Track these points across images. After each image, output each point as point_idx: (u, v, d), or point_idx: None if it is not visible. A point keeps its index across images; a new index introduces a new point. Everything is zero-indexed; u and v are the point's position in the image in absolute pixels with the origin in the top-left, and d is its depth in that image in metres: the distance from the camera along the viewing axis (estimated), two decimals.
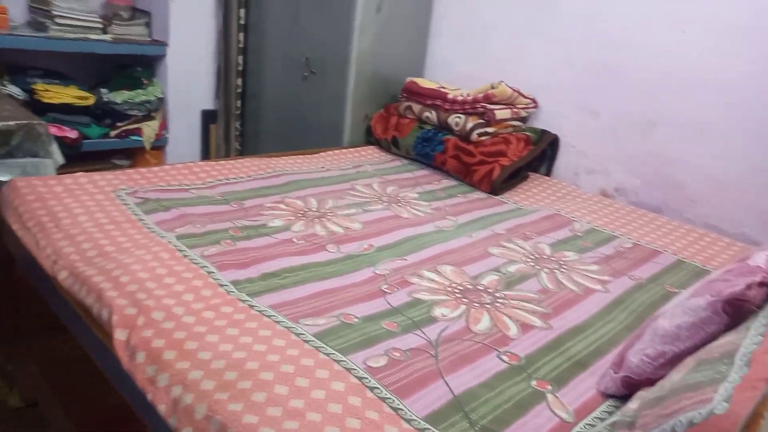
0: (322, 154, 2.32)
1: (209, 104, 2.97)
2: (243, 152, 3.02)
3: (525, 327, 1.24)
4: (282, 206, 1.75)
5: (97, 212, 1.51)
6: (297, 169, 2.09)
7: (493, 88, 2.20)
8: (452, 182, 2.20)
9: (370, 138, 2.52)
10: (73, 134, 2.46)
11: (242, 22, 2.82)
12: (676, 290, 1.50)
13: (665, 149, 2.06)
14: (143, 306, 1.11)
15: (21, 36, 2.33)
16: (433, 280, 1.38)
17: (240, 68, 2.89)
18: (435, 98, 2.30)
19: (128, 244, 1.37)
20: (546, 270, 1.52)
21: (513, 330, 1.22)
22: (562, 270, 1.54)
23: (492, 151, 2.14)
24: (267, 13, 2.73)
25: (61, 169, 1.99)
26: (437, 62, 2.67)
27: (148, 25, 2.77)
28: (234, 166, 2.03)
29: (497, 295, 1.35)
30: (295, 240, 1.53)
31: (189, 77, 2.85)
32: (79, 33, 2.49)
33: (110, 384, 1.12)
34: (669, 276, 1.60)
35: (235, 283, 1.27)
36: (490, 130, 2.20)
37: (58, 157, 2.00)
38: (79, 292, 1.20)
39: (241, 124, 2.99)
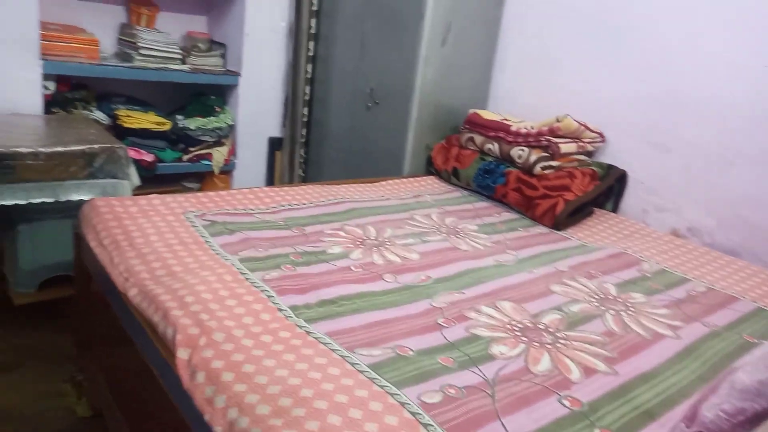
0: (382, 182, 2.34)
1: (276, 132, 3.08)
2: (306, 179, 3.09)
3: (588, 370, 1.18)
4: (341, 233, 1.77)
5: (168, 233, 1.58)
6: (357, 197, 2.12)
7: (558, 121, 2.16)
8: (513, 215, 2.16)
9: (430, 168, 2.52)
10: (149, 157, 2.61)
11: (311, 54, 2.92)
12: (755, 341, 1.39)
13: (744, 188, 1.94)
14: (205, 326, 1.14)
15: (109, 66, 2.51)
16: (491, 316, 1.35)
17: (306, 98, 2.99)
18: (498, 130, 2.29)
19: (194, 265, 1.42)
20: (611, 311, 1.45)
21: (575, 373, 1.17)
22: (629, 312, 1.47)
23: (556, 185, 2.09)
24: (334, 45, 2.83)
25: (137, 191, 2.11)
26: (501, 94, 2.66)
27: (223, 56, 2.92)
28: (297, 193, 2.08)
29: (559, 335, 1.30)
30: (353, 268, 1.54)
31: (258, 106, 2.97)
32: (160, 63, 2.66)
33: (171, 401, 1.14)
34: (747, 325, 1.49)
35: (293, 308, 1.28)
36: (554, 163, 2.15)
37: (135, 179, 2.12)
38: (147, 309, 1.25)
39: (305, 151, 3.07)
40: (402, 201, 2.15)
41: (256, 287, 1.34)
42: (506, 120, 2.33)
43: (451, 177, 2.41)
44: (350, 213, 1.94)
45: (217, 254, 1.51)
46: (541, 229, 2.05)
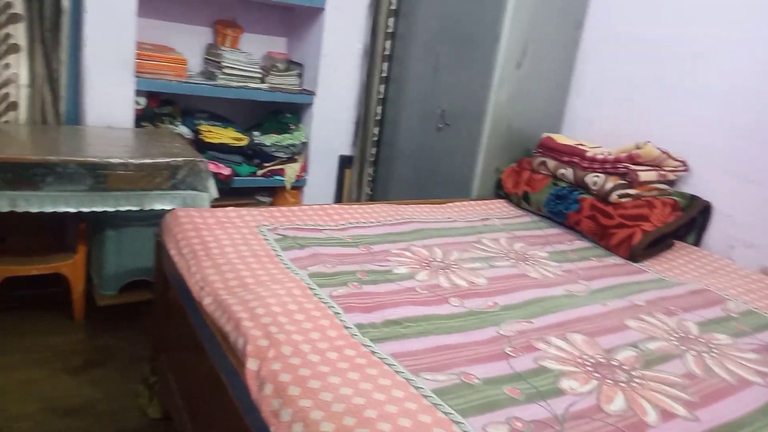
0: (450, 204, 2.33)
1: (346, 150, 3.14)
2: (373, 197, 3.13)
3: (666, 414, 1.11)
4: (407, 254, 1.76)
5: (242, 245, 1.64)
6: (424, 217, 2.12)
7: (638, 148, 2.08)
8: (586, 244, 2.08)
9: (499, 191, 2.49)
10: (226, 171, 2.73)
11: (384, 75, 2.97)
12: None
13: None
14: (274, 339, 1.17)
15: (195, 83, 2.66)
16: (561, 348, 1.30)
17: (378, 118, 3.04)
18: (572, 155, 2.22)
19: (265, 278, 1.46)
20: (692, 352, 1.36)
21: (651, 416, 1.10)
22: (712, 354, 1.37)
23: (633, 215, 2.00)
24: (408, 67, 2.87)
25: (213, 202, 2.21)
26: (576, 118, 2.59)
27: (300, 75, 3.03)
28: (365, 211, 2.10)
29: (634, 373, 1.23)
30: (418, 289, 1.53)
31: (331, 124, 3.04)
32: (241, 82, 2.78)
33: (237, 409, 1.17)
34: None
35: (359, 326, 1.29)
36: (632, 192, 2.06)
37: (213, 192, 2.22)
38: (220, 318, 1.30)
39: (373, 170, 3.11)
40: (469, 223, 2.12)
41: (324, 303, 1.36)
42: (581, 145, 2.27)
43: (521, 201, 2.36)
44: (417, 233, 1.94)
45: (288, 268, 1.54)
46: (615, 260, 1.96)
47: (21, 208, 1.86)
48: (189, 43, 2.84)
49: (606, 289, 1.68)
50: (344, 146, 3.14)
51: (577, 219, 2.12)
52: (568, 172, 2.24)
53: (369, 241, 1.83)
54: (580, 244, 2.08)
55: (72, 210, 1.94)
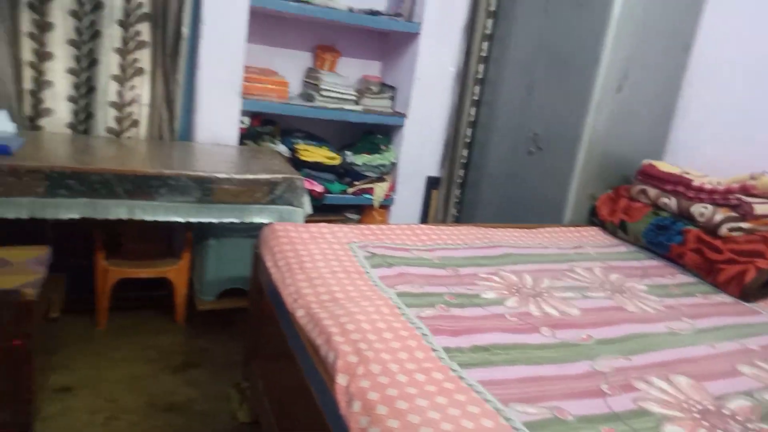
0: (540, 229, 2.27)
1: (434, 171, 3.16)
2: (459, 219, 3.11)
3: None
4: (496, 278, 1.74)
5: (333, 260, 1.69)
6: (513, 242, 2.08)
7: (753, 179, 1.92)
8: (690, 278, 1.95)
9: (593, 219, 2.39)
10: (319, 188, 2.83)
11: (476, 98, 2.97)
12: None
13: None
14: (363, 356, 1.19)
15: (294, 105, 2.80)
16: (664, 390, 1.21)
17: (467, 140, 3.03)
18: (677, 184, 2.10)
19: (355, 294, 1.49)
20: None
21: None
22: None
23: (746, 250, 1.84)
24: (500, 90, 2.85)
25: (306, 218, 2.30)
26: (680, 145, 2.45)
27: (392, 98, 3.10)
28: (453, 233, 2.10)
29: (750, 426, 1.13)
30: (507, 316, 1.50)
31: (420, 146, 3.08)
32: (337, 103, 2.89)
33: (325, 422, 1.20)
34: None
35: (446, 349, 1.28)
36: (744, 225, 1.91)
37: (308, 208, 2.32)
38: (311, 331, 1.34)
39: (461, 192, 3.10)
40: (561, 251, 2.05)
41: (412, 324, 1.37)
42: (687, 173, 2.13)
43: (618, 230, 2.26)
44: (506, 258, 1.91)
45: (376, 286, 1.57)
46: (724, 298, 1.81)
47: (137, 216, 2.03)
48: (291, 66, 3.00)
49: (714, 330, 1.56)
50: (432, 167, 3.16)
51: (681, 251, 1.99)
52: (671, 202, 2.12)
53: (457, 264, 1.82)
54: (683, 278, 1.95)
55: (181, 220, 2.09)
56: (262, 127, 2.87)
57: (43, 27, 2.27)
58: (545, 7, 2.56)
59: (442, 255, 1.88)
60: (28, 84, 2.31)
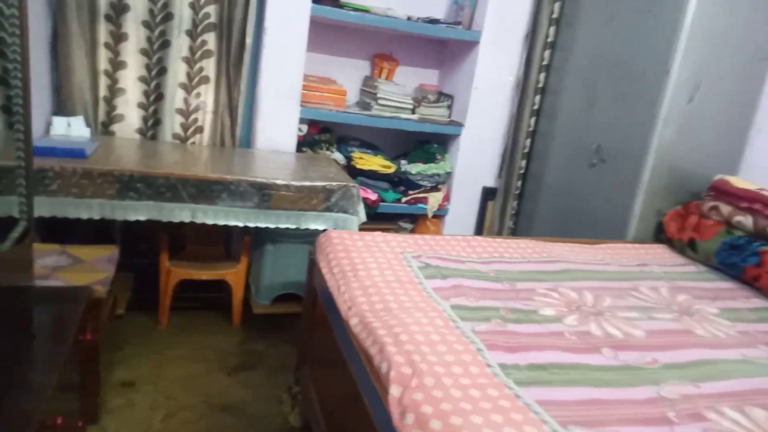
0: (601, 245, 2.18)
1: (490, 182, 3.11)
2: (515, 231, 3.05)
3: None
4: (554, 295, 1.68)
5: (387, 269, 1.68)
6: (573, 257, 2.01)
7: None
8: (766, 303, 1.82)
9: (660, 236, 2.28)
10: (373, 197, 2.84)
11: (536, 107, 2.91)
12: None
13: None
14: (417, 368, 1.17)
15: (351, 113, 2.82)
16: (737, 423, 1.13)
17: (525, 150, 2.97)
18: (754, 201, 1.97)
19: (409, 304, 1.48)
20: None
21: None
22: None
23: None
24: (562, 99, 2.77)
25: (359, 226, 2.31)
26: (757, 160, 2.30)
27: (449, 107, 3.08)
28: (509, 245, 2.05)
29: None
30: (566, 334, 1.45)
31: (476, 156, 3.04)
32: (393, 112, 2.90)
33: (376, 431, 1.19)
34: None
35: (502, 366, 1.25)
36: None
37: (362, 215, 2.33)
38: (365, 340, 1.34)
39: (518, 204, 3.04)
40: (624, 268, 1.97)
41: (466, 338, 1.34)
42: (764, 190, 2.00)
43: (686, 248, 2.14)
44: (565, 274, 1.85)
45: (430, 297, 1.55)
46: None
47: (199, 219, 2.10)
48: (348, 74, 3.04)
49: None
50: (488, 178, 3.11)
51: (756, 274, 1.86)
52: (746, 220, 1.99)
53: (513, 278, 1.77)
54: (759, 302, 1.82)
55: (240, 224, 2.15)
56: (319, 134, 2.91)
57: (118, 37, 2.39)
58: (611, 14, 2.48)
59: (497, 268, 1.84)
60: (103, 92, 2.44)
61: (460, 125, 2.99)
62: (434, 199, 3.01)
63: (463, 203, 3.11)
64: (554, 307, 1.60)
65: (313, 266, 1.90)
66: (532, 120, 2.94)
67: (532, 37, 2.87)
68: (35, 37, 2.16)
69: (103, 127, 2.48)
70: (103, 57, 2.40)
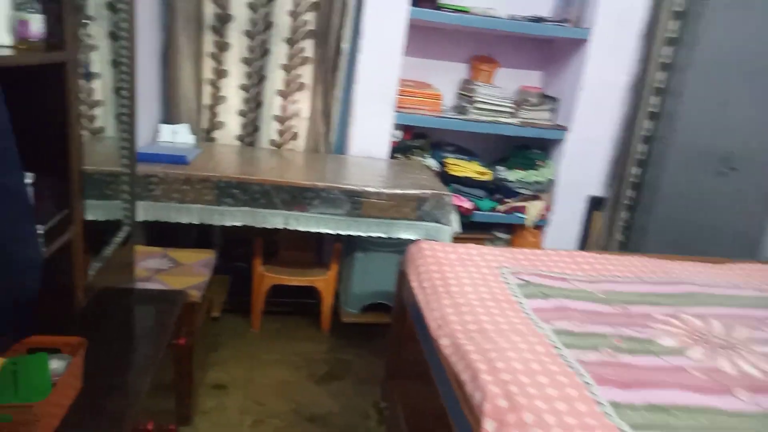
0: (731, 265, 1.91)
1: (598, 191, 2.87)
2: (626, 246, 2.78)
3: None
4: (675, 322, 1.48)
5: (482, 286, 1.57)
6: (698, 279, 1.77)
7: None
8: None
9: None
10: (468, 205, 2.72)
11: (652, 110, 2.64)
12: None
13: None
14: (515, 401, 1.05)
15: (447, 118, 2.72)
16: None
17: (639, 157, 2.70)
18: None
19: (505, 326, 1.36)
20: None
21: None
22: None
23: None
24: (684, 101, 2.49)
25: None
26: None
27: (553, 110, 2.88)
28: (621, 263, 1.85)
29: None
30: (691, 370, 1.25)
31: (582, 162, 2.81)
32: (491, 116, 2.76)
33: None
34: None
35: (614, 405, 1.09)
36: None
37: (456, 226, 2.22)
38: (456, 363, 1.23)
39: (629, 215, 2.77)
40: (761, 293, 1.70)
41: (572, 368, 1.20)
42: None
43: None
44: (688, 298, 1.62)
45: (530, 319, 1.41)
46: None
47: (291, 226, 2.10)
48: (445, 78, 2.94)
49: None
50: (595, 186, 2.87)
51: None
52: None
53: (625, 300, 1.59)
54: None
55: (331, 231, 2.12)
56: (413, 140, 2.84)
57: (222, 47, 2.47)
58: (745, 4, 2.18)
59: (607, 289, 1.66)
60: (206, 100, 2.53)
61: (564, 129, 2.78)
62: (534, 209, 2.83)
63: (566, 214, 2.89)
64: (675, 336, 1.40)
65: (402, 278, 1.82)
66: (648, 123, 2.66)
67: (651, 33, 2.60)
68: (148, 51, 2.28)
69: (206, 134, 2.58)
70: (208, 66, 2.49)
